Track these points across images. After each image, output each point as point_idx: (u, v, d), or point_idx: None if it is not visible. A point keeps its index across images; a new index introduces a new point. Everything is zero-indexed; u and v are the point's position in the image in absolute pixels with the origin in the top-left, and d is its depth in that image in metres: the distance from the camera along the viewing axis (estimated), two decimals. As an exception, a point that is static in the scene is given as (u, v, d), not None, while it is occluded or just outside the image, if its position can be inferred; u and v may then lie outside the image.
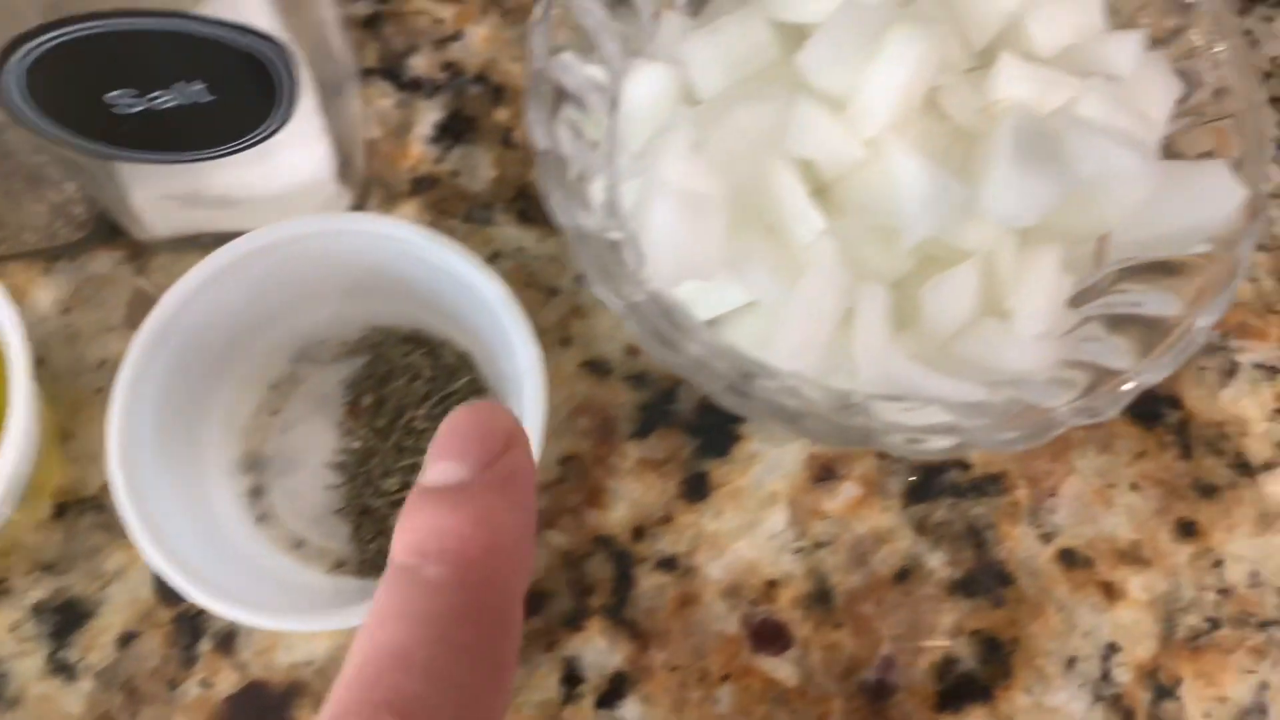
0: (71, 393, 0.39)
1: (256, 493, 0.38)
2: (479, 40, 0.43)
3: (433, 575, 0.19)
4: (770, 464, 0.39)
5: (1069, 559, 0.38)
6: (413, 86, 0.42)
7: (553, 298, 0.40)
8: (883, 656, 0.37)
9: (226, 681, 0.36)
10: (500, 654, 0.20)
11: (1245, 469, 0.39)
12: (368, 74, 0.42)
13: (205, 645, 0.36)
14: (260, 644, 0.36)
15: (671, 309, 0.31)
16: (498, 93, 0.42)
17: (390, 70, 0.42)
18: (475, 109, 0.42)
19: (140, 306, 0.38)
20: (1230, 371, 0.40)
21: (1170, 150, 0.34)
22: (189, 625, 0.36)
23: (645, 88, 0.35)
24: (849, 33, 0.31)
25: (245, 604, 0.32)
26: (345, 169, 0.38)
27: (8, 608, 0.36)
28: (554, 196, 0.30)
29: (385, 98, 0.42)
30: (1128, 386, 0.29)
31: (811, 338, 0.31)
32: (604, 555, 0.37)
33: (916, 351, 0.31)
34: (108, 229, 0.39)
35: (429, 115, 0.42)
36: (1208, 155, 0.33)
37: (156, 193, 0.36)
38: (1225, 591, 0.38)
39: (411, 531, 0.20)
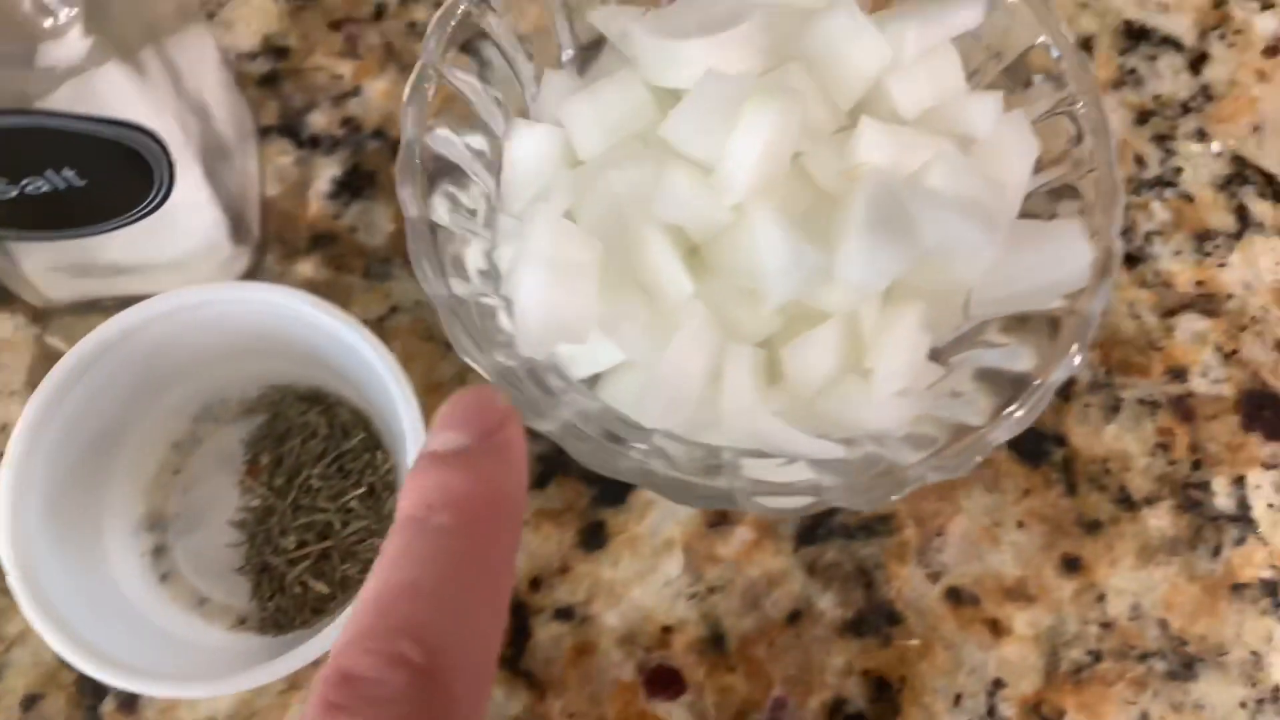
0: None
1: (159, 551, 0.39)
2: (377, 95, 0.43)
3: (440, 523, 0.21)
4: (666, 511, 0.40)
5: (956, 597, 0.39)
6: (311, 143, 0.43)
7: (450, 352, 0.41)
8: (774, 698, 0.38)
9: (128, 742, 0.36)
10: (499, 593, 0.22)
11: (1128, 504, 0.40)
12: (266, 132, 0.43)
13: (108, 705, 0.37)
14: (163, 703, 0.37)
15: (542, 373, 0.32)
16: (396, 147, 0.43)
17: (289, 127, 0.43)
18: (374, 164, 0.43)
19: (43, 370, 0.38)
20: (1114, 408, 0.41)
21: (1032, 208, 0.35)
22: (92, 686, 0.37)
23: (528, 149, 0.35)
24: (710, 103, 0.32)
25: (141, 673, 0.32)
26: (239, 231, 0.39)
27: (-90, 675, 0.37)
28: (422, 265, 0.31)
29: (284, 155, 0.42)
30: (982, 442, 0.30)
31: (680, 397, 0.31)
32: (501, 606, 0.38)
33: (784, 409, 0.32)
34: (6, 293, 0.40)
35: (327, 171, 0.42)
36: (1068, 213, 0.34)
37: (46, 264, 0.36)
38: (1108, 625, 0.39)
39: (419, 489, 0.22)
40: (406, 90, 0.32)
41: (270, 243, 0.41)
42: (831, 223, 0.32)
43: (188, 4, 0.35)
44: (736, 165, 0.32)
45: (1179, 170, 0.45)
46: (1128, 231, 0.44)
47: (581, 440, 0.31)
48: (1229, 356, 0.42)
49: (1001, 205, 0.31)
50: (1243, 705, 0.38)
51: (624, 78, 0.35)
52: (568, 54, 0.38)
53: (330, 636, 0.32)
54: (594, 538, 0.39)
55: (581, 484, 0.40)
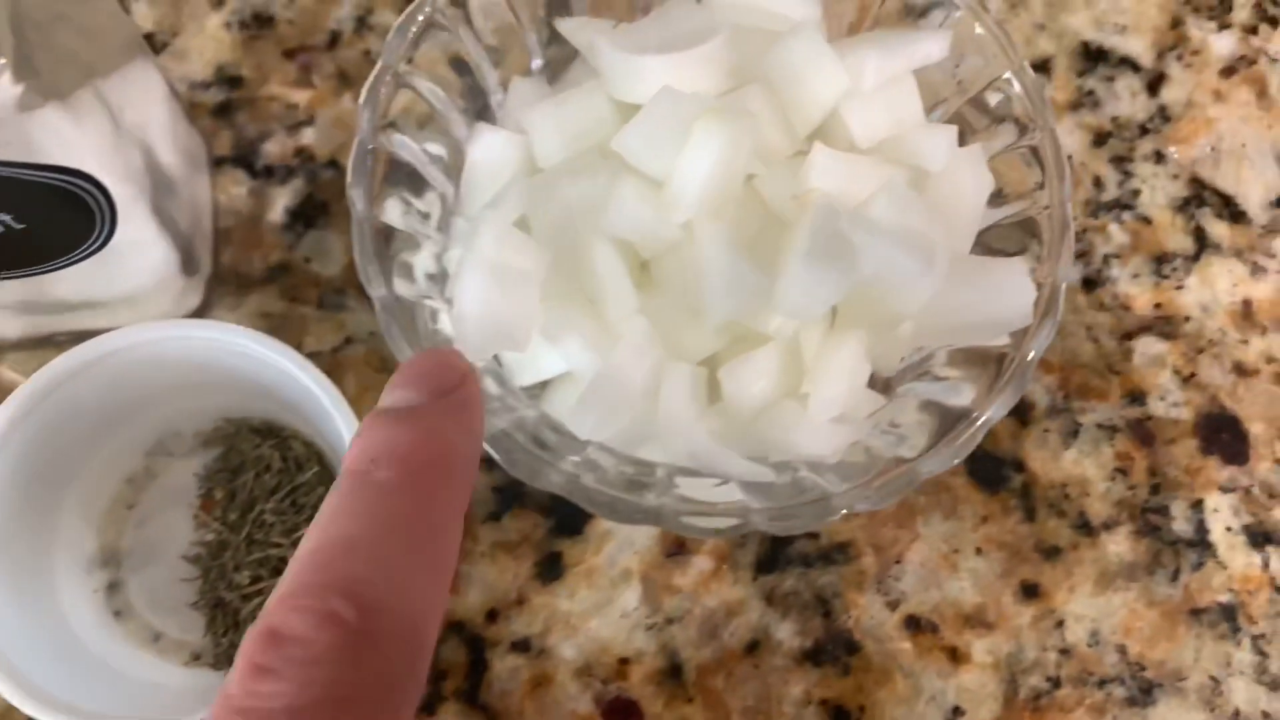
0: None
1: (113, 588, 0.38)
2: (331, 124, 0.43)
3: (382, 478, 0.20)
4: (623, 541, 0.39)
5: (914, 625, 0.39)
6: (266, 173, 0.42)
7: (406, 382, 0.40)
8: (732, 730, 0.38)
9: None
10: (442, 555, 0.21)
11: (1087, 529, 0.40)
12: (220, 162, 0.42)
13: (61, 745, 0.37)
14: (116, 742, 0.37)
15: (479, 379, 0.32)
16: (352, 176, 0.43)
17: (243, 157, 0.43)
18: (327, 193, 0.42)
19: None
20: (1073, 432, 0.41)
21: (994, 241, 0.35)
22: (44, 726, 0.37)
23: (489, 153, 0.35)
24: (663, 120, 0.32)
25: (93, 716, 0.32)
26: (191, 264, 0.38)
27: None
28: (366, 267, 0.31)
29: (238, 185, 0.42)
30: (912, 474, 0.30)
31: (617, 409, 0.31)
32: (457, 640, 0.38)
33: (720, 428, 0.32)
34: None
35: (281, 201, 0.42)
36: (1018, 250, 0.34)
37: (-7, 301, 0.36)
38: (1066, 651, 0.39)
39: (364, 443, 0.21)
40: (363, 91, 0.32)
41: (225, 274, 0.41)
42: (779, 247, 0.32)
43: (130, 39, 0.35)
44: (684, 183, 0.32)
45: (1137, 192, 0.45)
46: (1086, 255, 0.44)
47: (513, 450, 0.30)
48: (1187, 380, 0.42)
49: (946, 239, 0.31)
50: (1201, 731, 0.38)
51: (589, 89, 0.35)
52: (537, 62, 0.38)
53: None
54: (551, 569, 0.39)
55: (538, 515, 0.39)
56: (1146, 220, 0.44)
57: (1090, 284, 0.43)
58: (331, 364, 0.40)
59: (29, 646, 0.33)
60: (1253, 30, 0.47)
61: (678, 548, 0.39)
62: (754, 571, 0.39)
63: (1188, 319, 0.43)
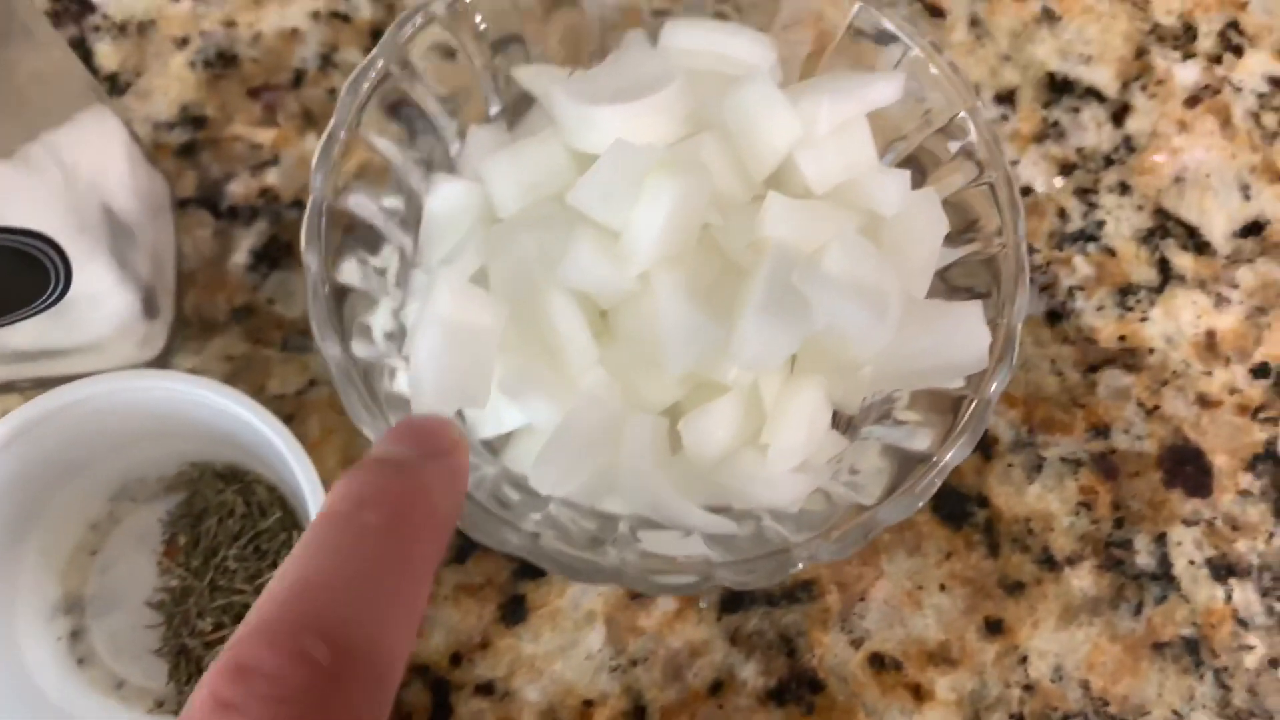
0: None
1: (76, 635, 0.38)
2: (296, 163, 0.43)
3: (368, 520, 0.20)
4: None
5: (878, 663, 0.39)
6: (230, 214, 0.42)
7: (370, 424, 0.40)
8: (696, 771, 0.38)
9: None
10: (414, 603, 0.21)
11: (1050, 564, 0.40)
12: (185, 204, 0.42)
13: (25, 794, 0.37)
14: (80, 790, 0.37)
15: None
16: (316, 216, 0.43)
17: (207, 199, 0.42)
18: (291, 234, 0.42)
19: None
20: (1037, 467, 0.42)
21: (954, 279, 0.35)
22: (7, 775, 0.37)
23: (447, 203, 0.35)
24: (617, 172, 0.32)
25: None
26: (153, 309, 0.38)
27: None
28: (321, 329, 0.31)
29: (203, 227, 0.42)
30: (873, 522, 0.30)
31: (578, 462, 0.31)
32: (420, 683, 0.38)
33: (681, 479, 0.32)
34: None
35: (245, 242, 0.42)
36: (982, 287, 0.34)
37: (-50, 352, 0.36)
38: (1029, 687, 0.39)
39: (354, 486, 0.21)
40: (316, 153, 0.32)
41: (189, 317, 0.41)
42: (737, 295, 0.32)
43: (83, 85, 0.35)
44: (639, 235, 0.32)
45: (1101, 224, 0.45)
46: (1051, 287, 0.44)
47: (473, 513, 0.30)
48: (1151, 412, 0.42)
49: (901, 284, 0.31)
50: (1164, 767, 0.39)
51: (545, 138, 0.35)
52: (495, 108, 0.38)
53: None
54: (514, 612, 0.39)
55: (501, 558, 0.39)
56: (1111, 252, 0.44)
57: (1055, 317, 0.43)
58: (295, 406, 0.40)
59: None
60: (1217, 59, 0.47)
61: (642, 588, 0.39)
62: (718, 611, 0.39)
63: (1152, 351, 0.43)
